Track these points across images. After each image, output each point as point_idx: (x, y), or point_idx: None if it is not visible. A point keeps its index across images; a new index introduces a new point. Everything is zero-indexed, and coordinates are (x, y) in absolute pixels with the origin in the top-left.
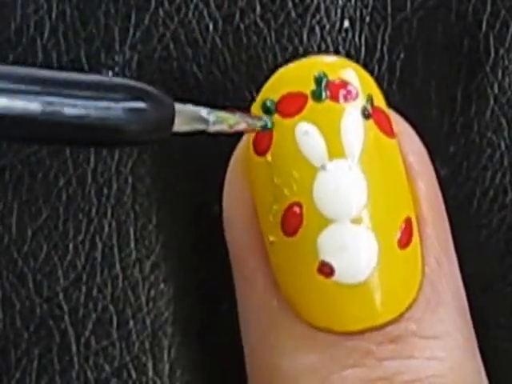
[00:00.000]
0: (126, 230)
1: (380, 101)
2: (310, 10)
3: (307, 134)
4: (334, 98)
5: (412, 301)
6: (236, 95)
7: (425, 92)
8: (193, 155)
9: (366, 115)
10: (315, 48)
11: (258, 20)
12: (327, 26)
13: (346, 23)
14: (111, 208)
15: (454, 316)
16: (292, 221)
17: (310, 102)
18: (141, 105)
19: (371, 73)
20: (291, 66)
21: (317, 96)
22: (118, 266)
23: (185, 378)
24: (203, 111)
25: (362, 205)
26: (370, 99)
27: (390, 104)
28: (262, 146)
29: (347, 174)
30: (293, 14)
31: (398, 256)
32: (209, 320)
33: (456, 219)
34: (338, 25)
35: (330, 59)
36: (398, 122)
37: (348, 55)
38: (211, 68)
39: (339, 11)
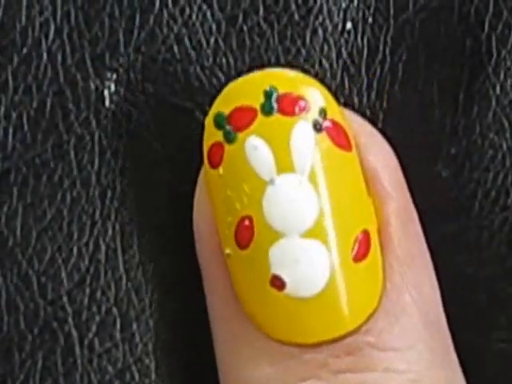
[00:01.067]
0: (129, 232)
1: (335, 113)
2: (312, 11)
3: (256, 149)
4: (284, 111)
5: (371, 314)
6: None
7: (427, 93)
8: (196, 157)
9: (317, 128)
10: (318, 49)
11: (261, 22)
12: (330, 28)
13: (349, 25)
14: (115, 210)
15: (419, 329)
16: (244, 234)
17: (260, 115)
18: None
19: (373, 74)
20: (241, 79)
21: (266, 110)
22: (121, 268)
23: (187, 380)
24: None
25: (312, 219)
26: (322, 112)
27: (392, 105)
28: (215, 159)
29: (296, 188)
30: (296, 15)
31: (353, 269)
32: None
33: (458, 220)
34: (340, 26)
35: (282, 72)
36: (365, 134)
37: (350, 56)
38: (214, 70)
39: (342, 13)
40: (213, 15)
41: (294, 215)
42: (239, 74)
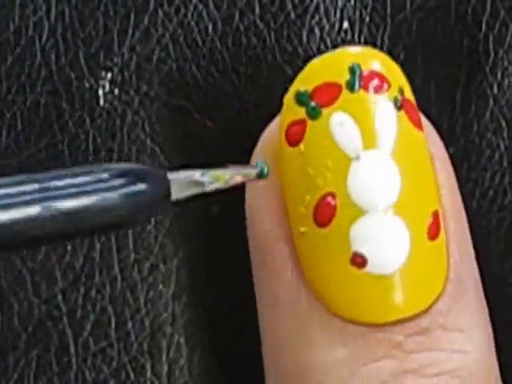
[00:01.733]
0: (124, 231)
1: (409, 92)
2: (309, 10)
3: (342, 124)
4: (368, 88)
5: (439, 293)
6: (235, 96)
7: (424, 93)
8: (192, 156)
9: (397, 106)
10: (314, 49)
11: (258, 21)
12: (326, 27)
13: (346, 24)
14: None
15: (478, 309)
16: (325, 211)
17: (345, 92)
18: (137, 188)
19: None
20: (324, 56)
21: (351, 86)
22: (116, 267)
23: (183, 379)
24: (197, 174)
25: (395, 196)
26: (401, 90)
27: None
28: (295, 136)
29: (380, 165)
30: (292, 14)
31: (428, 247)
32: (208, 321)
33: None
34: (337, 25)
35: (363, 50)
36: (424, 121)
37: None
38: (210, 69)
39: (338, 12)
40: (208, 14)
41: (378, 191)
42: (236, 74)
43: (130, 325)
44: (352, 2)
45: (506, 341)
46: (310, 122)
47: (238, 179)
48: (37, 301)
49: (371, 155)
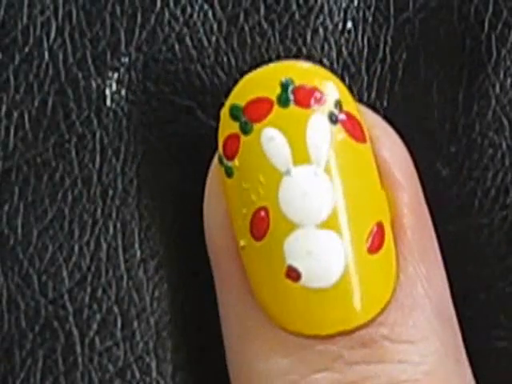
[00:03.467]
0: (130, 231)
1: (350, 106)
2: (313, 11)
3: (272, 140)
4: (300, 103)
5: (385, 305)
6: None
7: (427, 92)
8: (197, 155)
9: (333, 120)
10: (318, 49)
11: (262, 21)
12: (330, 27)
13: (349, 24)
14: (116, 209)
15: (432, 321)
16: (259, 225)
17: (276, 107)
18: None
19: (374, 73)
20: (258, 71)
21: (282, 101)
22: (122, 267)
23: (188, 378)
24: None
25: (328, 210)
26: (338, 104)
27: (392, 104)
28: (230, 150)
29: (312, 180)
30: (296, 15)
31: (368, 261)
32: (213, 321)
33: (457, 219)
34: (341, 26)
35: (297, 64)
36: (379, 127)
37: (351, 56)
38: (216, 69)
39: (342, 12)
40: (214, 14)
41: (310, 206)
42: (240, 74)
43: (135, 324)
44: (355, 2)
45: (508, 341)
46: (242, 137)
47: None
48: (43, 301)
49: (302, 170)
